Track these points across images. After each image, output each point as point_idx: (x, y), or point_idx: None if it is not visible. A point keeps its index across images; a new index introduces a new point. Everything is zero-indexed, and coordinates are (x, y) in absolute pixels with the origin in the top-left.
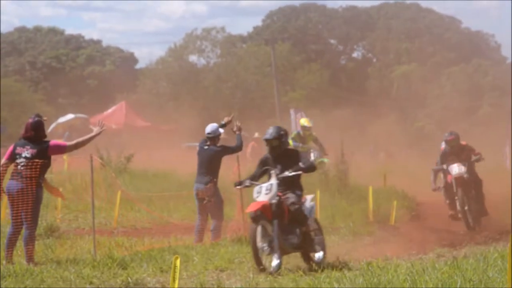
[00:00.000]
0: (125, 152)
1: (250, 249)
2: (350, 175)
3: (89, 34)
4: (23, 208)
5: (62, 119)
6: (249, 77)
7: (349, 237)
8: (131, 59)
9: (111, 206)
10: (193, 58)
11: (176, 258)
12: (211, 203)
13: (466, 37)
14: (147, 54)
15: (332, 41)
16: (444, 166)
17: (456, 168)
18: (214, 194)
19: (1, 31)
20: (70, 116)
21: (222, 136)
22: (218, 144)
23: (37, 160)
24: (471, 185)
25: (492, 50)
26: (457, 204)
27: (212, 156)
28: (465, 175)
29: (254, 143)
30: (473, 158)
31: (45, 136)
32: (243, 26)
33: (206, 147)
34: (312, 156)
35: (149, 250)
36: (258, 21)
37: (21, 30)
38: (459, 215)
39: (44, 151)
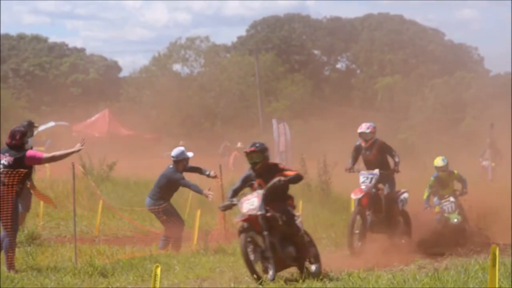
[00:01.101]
0: (108, 160)
1: (232, 258)
2: (332, 186)
3: (73, 42)
4: (2, 216)
5: (43, 127)
6: (232, 86)
7: (331, 247)
8: (115, 67)
9: (93, 214)
10: (177, 67)
11: (157, 266)
12: (163, 220)
13: (450, 49)
14: (130, 63)
15: (316, 51)
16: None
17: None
18: (167, 214)
19: None
20: (51, 124)
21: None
22: (186, 167)
23: (14, 169)
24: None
25: (475, 63)
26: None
27: (169, 180)
28: None
29: (236, 153)
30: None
31: (23, 145)
32: (227, 35)
33: (170, 166)
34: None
35: (131, 258)
36: (242, 31)
37: (4, 37)
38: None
39: (21, 160)
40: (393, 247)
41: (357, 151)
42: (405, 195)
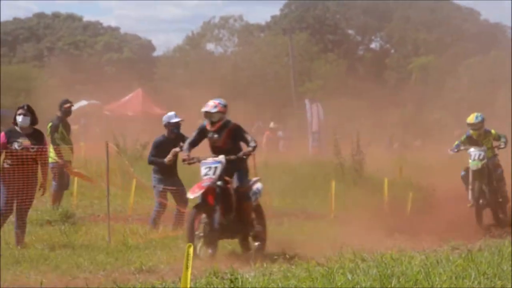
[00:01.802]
0: (141, 140)
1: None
2: (365, 166)
3: (107, 21)
4: None
5: (76, 105)
6: (266, 66)
7: (364, 228)
8: (149, 46)
9: (127, 193)
10: (210, 46)
11: (189, 246)
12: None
13: (485, 28)
14: (164, 42)
15: (350, 31)
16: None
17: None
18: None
19: (20, 17)
20: (83, 102)
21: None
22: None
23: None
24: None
25: (510, 42)
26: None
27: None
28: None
29: (269, 133)
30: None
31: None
32: (261, 15)
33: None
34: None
35: (163, 237)
36: (276, 11)
37: (40, 16)
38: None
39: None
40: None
41: (201, 134)
42: (258, 185)
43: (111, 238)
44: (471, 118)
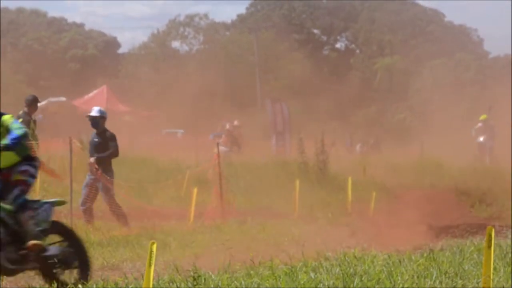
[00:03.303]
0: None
1: (228, 237)
2: (329, 166)
3: (72, 17)
4: None
5: (42, 102)
6: (231, 65)
7: (327, 227)
8: (114, 43)
9: None
10: (175, 44)
11: (153, 243)
12: None
13: (449, 30)
14: (130, 39)
15: (315, 31)
16: None
17: None
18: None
19: None
20: (49, 99)
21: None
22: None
23: None
24: None
25: (474, 45)
26: None
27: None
28: None
29: (227, 131)
30: None
31: None
32: (227, 13)
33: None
34: None
35: (126, 235)
36: (242, 9)
37: (3, 11)
38: None
39: None
40: None
41: None
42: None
43: None
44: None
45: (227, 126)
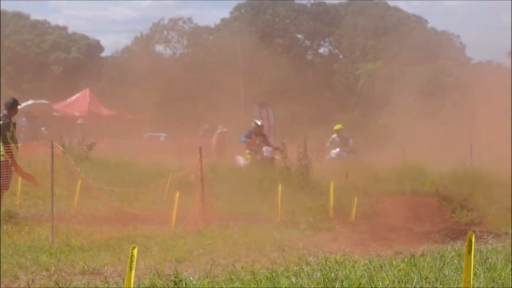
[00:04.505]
0: (88, 140)
1: (209, 241)
2: (312, 171)
3: (55, 20)
4: None
5: (22, 105)
6: (215, 69)
7: (309, 232)
8: (97, 47)
9: (71, 194)
10: (159, 48)
11: (134, 247)
12: None
13: (432, 36)
14: (113, 43)
15: (299, 36)
16: None
17: None
18: None
19: None
20: (29, 102)
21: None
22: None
23: None
24: None
25: (457, 50)
26: None
27: None
28: None
29: (217, 135)
30: None
31: None
32: (211, 18)
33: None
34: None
35: (108, 239)
36: (226, 13)
37: None
38: None
39: None
40: None
41: None
42: None
43: (54, 238)
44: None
45: (219, 128)
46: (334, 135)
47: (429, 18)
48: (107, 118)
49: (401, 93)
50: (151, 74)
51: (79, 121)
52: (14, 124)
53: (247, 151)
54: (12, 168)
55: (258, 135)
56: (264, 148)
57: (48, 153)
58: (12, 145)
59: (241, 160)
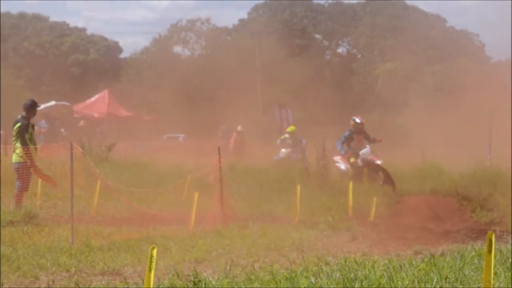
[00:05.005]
0: (107, 141)
1: (228, 241)
2: (331, 171)
3: (74, 22)
4: None
5: (43, 106)
6: (233, 69)
7: (328, 232)
8: (116, 48)
9: (91, 195)
10: (177, 49)
11: (153, 248)
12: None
13: (451, 35)
14: (131, 44)
15: (317, 36)
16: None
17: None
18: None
19: None
20: (52, 103)
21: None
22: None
23: None
24: None
25: (476, 50)
26: None
27: None
28: None
29: (236, 135)
30: None
31: None
32: (229, 18)
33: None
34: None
35: (127, 239)
36: (244, 14)
37: (5, 15)
38: None
39: None
40: None
41: None
42: None
43: (74, 239)
44: None
45: (238, 128)
46: (286, 135)
47: (447, 17)
48: (126, 119)
49: (419, 92)
50: (169, 75)
51: (81, 123)
52: (33, 126)
53: (352, 158)
54: (31, 169)
55: (359, 134)
56: (360, 152)
57: (67, 155)
58: (31, 146)
59: (342, 166)
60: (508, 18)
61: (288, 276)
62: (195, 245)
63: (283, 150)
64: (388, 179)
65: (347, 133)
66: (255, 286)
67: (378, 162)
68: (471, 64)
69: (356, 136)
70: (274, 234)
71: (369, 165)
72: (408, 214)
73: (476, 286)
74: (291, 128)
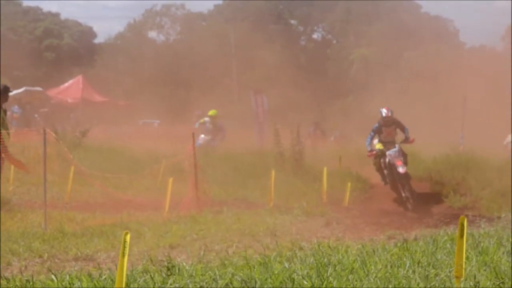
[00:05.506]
0: (81, 127)
1: (203, 227)
2: (305, 156)
3: (47, 6)
4: None
5: (14, 92)
6: (208, 55)
7: (302, 217)
8: (90, 33)
9: (64, 180)
10: (152, 34)
11: (126, 233)
12: None
13: (425, 21)
14: (106, 29)
15: (292, 21)
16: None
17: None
18: None
19: None
20: (22, 89)
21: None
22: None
23: None
24: None
25: (450, 35)
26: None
27: None
28: None
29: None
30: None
31: None
32: (204, 3)
33: None
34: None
35: (101, 225)
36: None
37: None
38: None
39: None
40: None
41: None
42: None
43: (47, 225)
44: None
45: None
46: (206, 118)
47: (422, 3)
48: (100, 104)
49: (394, 77)
50: (144, 61)
51: (72, 115)
52: (5, 111)
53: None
54: (3, 155)
55: (388, 126)
56: (387, 153)
57: (40, 140)
58: (3, 131)
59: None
60: (481, 4)
61: (262, 261)
62: (169, 230)
63: (202, 136)
64: (410, 194)
65: (375, 125)
66: (228, 271)
67: (400, 170)
68: (446, 50)
69: (385, 129)
70: (248, 220)
71: (392, 169)
72: (382, 199)
73: (448, 270)
74: (212, 112)
